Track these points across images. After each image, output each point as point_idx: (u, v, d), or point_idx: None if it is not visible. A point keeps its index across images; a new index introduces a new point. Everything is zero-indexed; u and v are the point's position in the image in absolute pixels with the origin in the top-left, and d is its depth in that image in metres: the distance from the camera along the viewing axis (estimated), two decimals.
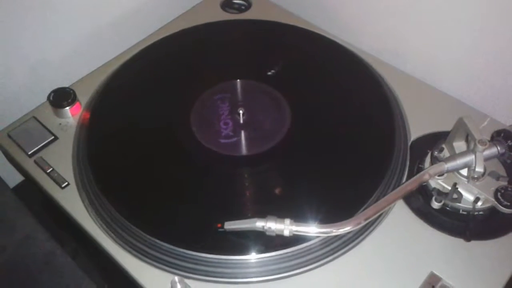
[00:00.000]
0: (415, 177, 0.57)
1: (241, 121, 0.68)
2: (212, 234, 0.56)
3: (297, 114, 0.69)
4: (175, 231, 0.57)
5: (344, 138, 0.66)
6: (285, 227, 0.54)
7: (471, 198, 0.57)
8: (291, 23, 0.82)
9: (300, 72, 0.75)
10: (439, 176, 0.58)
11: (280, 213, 0.55)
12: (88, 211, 0.61)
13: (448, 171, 0.57)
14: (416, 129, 0.67)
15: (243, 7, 0.87)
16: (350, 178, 0.61)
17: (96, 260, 0.64)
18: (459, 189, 0.58)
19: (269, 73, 0.74)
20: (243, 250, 0.55)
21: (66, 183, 0.64)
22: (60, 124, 0.70)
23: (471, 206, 0.57)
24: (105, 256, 0.58)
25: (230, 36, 0.82)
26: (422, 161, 0.63)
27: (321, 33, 0.80)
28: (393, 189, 0.60)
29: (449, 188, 0.58)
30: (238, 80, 0.73)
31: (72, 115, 0.71)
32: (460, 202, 0.57)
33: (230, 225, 0.56)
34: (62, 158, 0.66)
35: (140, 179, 0.63)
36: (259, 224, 0.54)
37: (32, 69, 0.77)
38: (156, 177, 0.63)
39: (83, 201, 0.62)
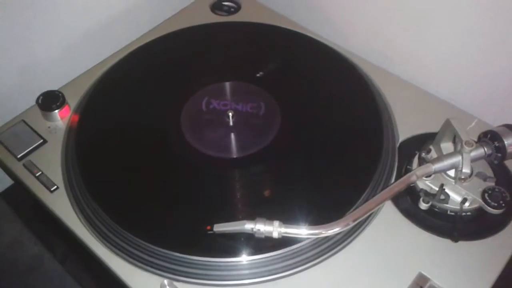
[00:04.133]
0: (402, 178, 0.58)
1: (231, 123, 0.68)
2: (201, 236, 0.56)
3: (287, 116, 0.69)
4: (164, 234, 0.57)
5: (332, 139, 0.66)
6: (274, 229, 0.54)
7: (458, 199, 0.58)
8: (281, 25, 0.82)
9: (290, 74, 0.76)
10: (426, 177, 0.59)
11: (269, 215, 0.55)
12: (77, 214, 0.61)
13: (435, 172, 0.58)
14: (404, 130, 0.68)
15: (232, 9, 0.88)
16: (339, 180, 0.62)
17: (86, 264, 0.64)
18: (447, 190, 0.58)
19: (258, 75, 0.75)
20: (232, 252, 0.55)
21: (55, 186, 0.63)
22: (49, 127, 0.70)
23: (458, 207, 0.58)
24: (94, 259, 0.58)
25: (219, 38, 0.82)
26: (410, 162, 0.63)
27: (310, 35, 0.81)
28: (382, 190, 0.60)
29: (437, 189, 0.58)
30: (228, 82, 0.74)
31: (61, 118, 0.71)
32: (447, 203, 0.58)
33: (219, 227, 0.56)
34: (51, 161, 0.66)
35: (129, 182, 0.63)
36: (248, 226, 0.54)
37: (21, 72, 0.76)
38: (145, 180, 0.63)
39: (72, 205, 0.61)
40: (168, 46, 0.80)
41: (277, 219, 0.54)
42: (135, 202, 0.61)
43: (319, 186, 0.61)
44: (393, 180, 0.63)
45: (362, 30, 0.83)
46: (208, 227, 0.56)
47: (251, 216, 0.55)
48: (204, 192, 0.61)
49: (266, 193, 0.62)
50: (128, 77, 0.75)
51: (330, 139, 0.67)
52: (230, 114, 0.68)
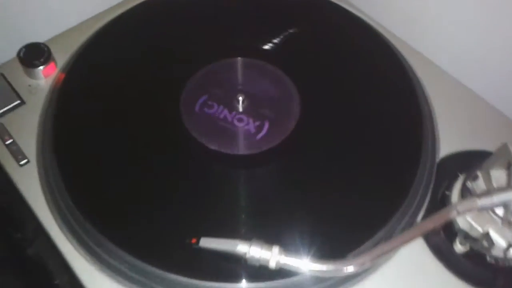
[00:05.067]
0: (439, 213, 0.46)
1: (240, 109, 0.57)
2: (183, 250, 0.46)
3: (307, 107, 0.57)
4: (138, 239, 0.47)
5: (359, 144, 0.55)
6: (272, 256, 0.44)
7: (503, 244, 0.47)
8: None
9: (316, 54, 0.63)
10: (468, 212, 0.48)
11: (268, 234, 0.45)
12: (45, 197, 0.51)
13: (481, 209, 0.47)
14: (447, 143, 0.56)
15: None
16: (360, 201, 0.50)
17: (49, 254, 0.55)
18: (490, 232, 0.47)
19: (269, 46, 0.62)
20: (218, 275, 0.46)
21: (26, 160, 0.54)
22: (29, 85, 0.60)
23: (502, 254, 0.47)
24: (57, 253, 0.49)
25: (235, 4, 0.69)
26: (449, 186, 0.52)
27: (344, 5, 0.67)
28: (410, 218, 0.49)
29: (479, 229, 0.47)
30: (239, 58, 0.62)
31: (44, 76, 0.60)
32: (490, 252, 0.47)
33: (206, 243, 0.46)
34: (26, 128, 0.56)
35: (114, 173, 0.53)
36: (241, 248, 0.44)
37: (3, 18, 0.66)
38: (132, 174, 0.53)
39: (41, 186, 0.52)
40: (175, 5, 0.68)
41: (276, 242, 0.44)
42: (111, 196, 0.51)
43: (335, 206, 0.50)
44: (425, 205, 0.51)
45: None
46: (193, 240, 0.46)
47: (245, 234, 0.46)
48: (193, 193, 0.51)
49: (269, 205, 0.51)
50: (127, 37, 0.64)
51: (356, 143, 0.55)
52: (240, 98, 0.56)
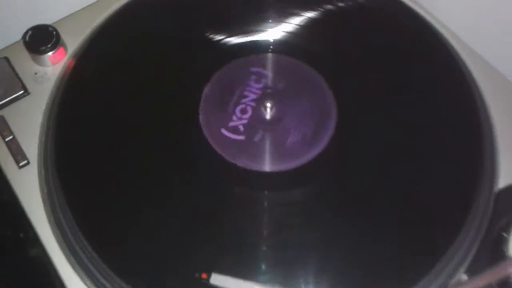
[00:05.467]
0: (495, 268, 0.39)
1: (268, 116, 0.49)
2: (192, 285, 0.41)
3: (345, 117, 0.50)
4: (143, 271, 0.42)
5: (405, 169, 0.47)
6: None
7: None
8: None
9: (357, 53, 0.54)
10: None
11: (293, 274, 0.39)
12: (44, 208, 0.46)
13: None
14: (508, 170, 0.48)
15: None
16: (403, 239, 0.43)
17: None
18: None
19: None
20: None
21: (26, 161, 0.48)
22: (36, 73, 0.54)
23: None
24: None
25: None
26: (508, 226, 0.44)
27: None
28: (458, 265, 0.42)
29: None
30: (269, 54, 0.53)
31: (52, 63, 0.54)
32: None
33: (218, 281, 0.40)
34: (30, 123, 0.50)
35: (122, 186, 0.46)
36: None
37: None
38: (142, 188, 0.46)
39: (41, 191, 0.46)
40: None
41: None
42: (123, 223, 0.44)
43: (372, 243, 0.43)
44: (476, 245, 0.44)
45: None
46: (204, 275, 0.40)
47: (266, 272, 0.39)
48: (205, 217, 0.44)
49: (294, 236, 0.44)
50: (148, 20, 0.56)
51: (401, 165, 0.47)
52: (268, 104, 0.49)
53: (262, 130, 0.48)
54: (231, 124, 0.49)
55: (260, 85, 0.51)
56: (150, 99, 0.52)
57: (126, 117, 0.51)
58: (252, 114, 0.49)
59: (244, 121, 0.49)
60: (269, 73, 0.52)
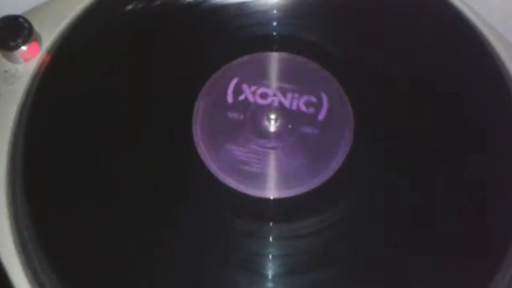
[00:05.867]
0: None
1: (272, 128, 0.42)
2: None
3: (364, 126, 0.43)
4: None
5: (436, 187, 0.41)
6: None
7: None
8: None
9: (379, 51, 0.47)
10: None
11: None
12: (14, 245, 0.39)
13: None
14: None
15: None
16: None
17: None
18: None
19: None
20: None
21: None
22: (6, 71, 0.46)
23: None
24: None
25: None
26: None
27: None
28: None
29: None
30: (273, 53, 0.46)
31: (24, 60, 0.47)
32: None
33: None
34: None
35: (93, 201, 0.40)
36: None
37: None
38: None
39: (10, 225, 0.39)
40: None
41: None
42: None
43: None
44: None
45: None
46: None
47: None
48: (202, 253, 0.38)
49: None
50: (137, 9, 0.49)
51: (431, 186, 0.40)
52: (272, 116, 0.42)
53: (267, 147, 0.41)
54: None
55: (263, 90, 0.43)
56: (139, 103, 0.45)
57: (110, 124, 0.44)
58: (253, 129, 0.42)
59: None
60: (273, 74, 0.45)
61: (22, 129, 0.44)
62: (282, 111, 0.43)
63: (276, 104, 0.43)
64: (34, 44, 0.46)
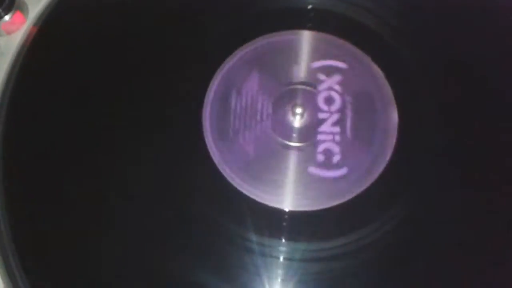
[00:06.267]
0: None
1: (296, 124, 0.35)
2: None
3: (411, 124, 0.35)
4: None
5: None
6: None
7: None
8: None
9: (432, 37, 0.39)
10: None
11: None
12: None
13: None
14: None
15: None
16: None
17: None
18: None
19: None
20: None
21: None
22: None
23: None
24: None
25: None
26: None
27: None
28: None
29: None
30: (307, 31, 0.38)
31: (6, 32, 0.40)
32: None
33: None
34: None
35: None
36: None
37: None
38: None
39: None
40: None
41: None
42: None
43: None
44: None
45: None
46: None
47: None
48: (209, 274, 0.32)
49: None
50: None
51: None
52: (298, 110, 0.34)
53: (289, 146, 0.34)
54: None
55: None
56: (138, 87, 0.38)
57: (105, 110, 0.38)
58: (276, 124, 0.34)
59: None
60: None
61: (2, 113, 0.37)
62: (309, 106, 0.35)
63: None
64: (18, 14, 0.40)
